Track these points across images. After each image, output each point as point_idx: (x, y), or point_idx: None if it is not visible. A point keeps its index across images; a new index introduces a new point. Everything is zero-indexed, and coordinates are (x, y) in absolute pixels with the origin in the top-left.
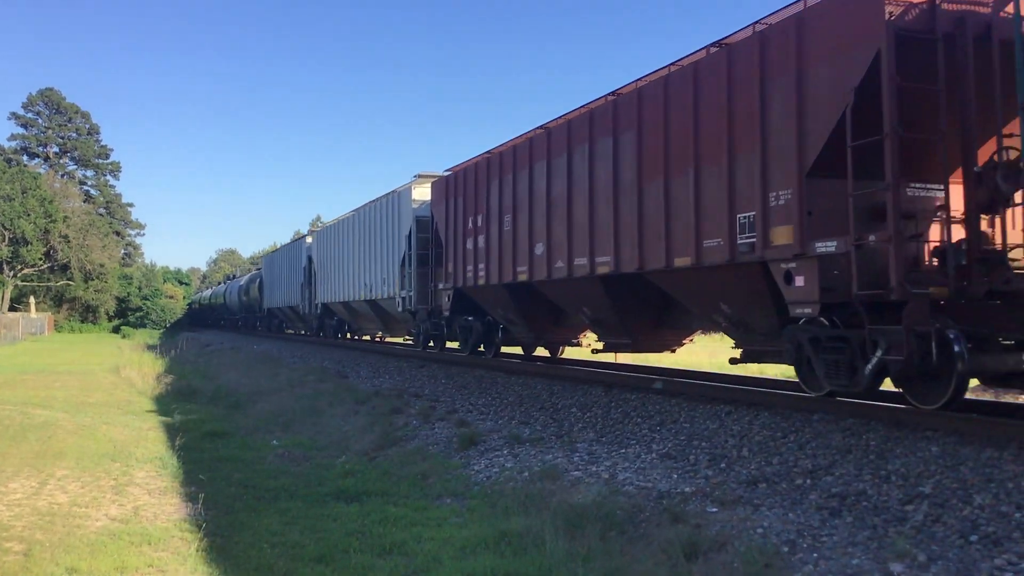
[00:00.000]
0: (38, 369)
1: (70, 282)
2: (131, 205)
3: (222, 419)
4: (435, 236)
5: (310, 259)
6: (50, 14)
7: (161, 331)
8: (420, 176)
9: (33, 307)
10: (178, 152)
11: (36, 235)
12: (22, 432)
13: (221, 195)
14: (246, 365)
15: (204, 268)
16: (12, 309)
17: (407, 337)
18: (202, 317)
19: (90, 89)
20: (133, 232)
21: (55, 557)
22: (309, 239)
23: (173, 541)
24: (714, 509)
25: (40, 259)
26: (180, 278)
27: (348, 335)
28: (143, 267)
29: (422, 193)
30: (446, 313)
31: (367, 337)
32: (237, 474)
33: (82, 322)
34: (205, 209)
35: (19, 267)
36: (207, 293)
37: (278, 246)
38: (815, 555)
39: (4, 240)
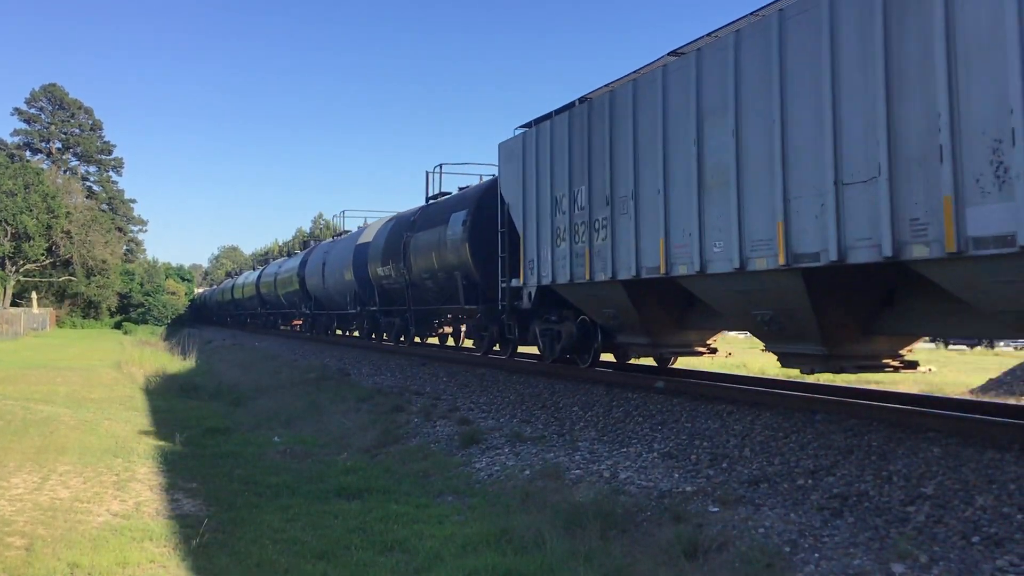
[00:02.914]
0: (40, 364)
1: (72, 278)
2: (133, 201)
3: (224, 415)
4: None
5: None
6: (53, 10)
7: (164, 327)
8: None
9: (35, 303)
10: (180, 149)
11: (39, 231)
12: (24, 427)
13: (223, 193)
14: (248, 362)
15: (206, 265)
16: (14, 304)
17: None
18: (219, 314)
19: (93, 85)
20: (135, 228)
21: (57, 552)
22: None
23: (175, 537)
24: (715, 509)
25: (42, 255)
26: (182, 274)
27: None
28: (145, 263)
29: None
30: None
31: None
32: (239, 470)
33: (84, 318)
34: (207, 206)
35: (21, 262)
36: (241, 280)
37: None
38: (816, 555)
39: (7, 235)
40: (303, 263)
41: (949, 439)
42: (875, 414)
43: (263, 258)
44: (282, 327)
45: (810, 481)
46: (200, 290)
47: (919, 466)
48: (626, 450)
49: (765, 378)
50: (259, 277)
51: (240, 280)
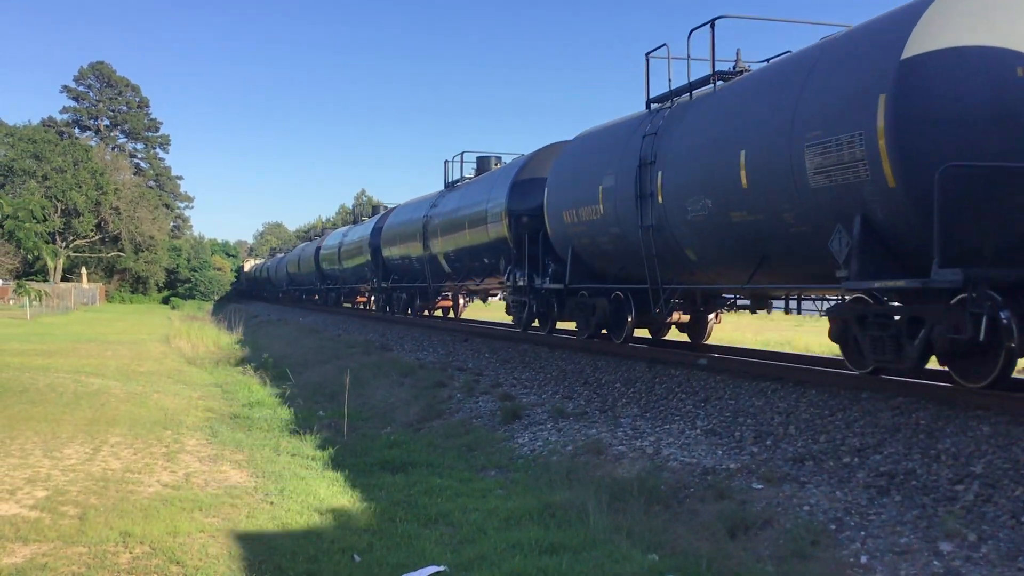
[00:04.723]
0: (90, 338)
1: (121, 253)
2: (180, 178)
3: (270, 388)
4: None
5: None
6: None
7: (211, 303)
8: None
9: (85, 278)
10: (225, 126)
11: (88, 207)
12: (76, 399)
13: (267, 169)
14: (292, 337)
15: (251, 241)
16: (65, 279)
17: None
18: (288, 290)
19: (139, 62)
20: (182, 205)
21: (109, 521)
22: None
23: (224, 507)
24: (760, 486)
25: (92, 230)
26: (228, 250)
27: None
28: (192, 239)
29: None
30: None
31: None
32: (284, 443)
33: (132, 293)
34: (251, 183)
35: (71, 238)
36: (332, 240)
37: (323, 221)
38: (863, 533)
39: (57, 211)
40: (515, 187)
41: (999, 417)
42: (923, 392)
43: (306, 235)
44: (425, 311)
45: (856, 459)
46: (253, 262)
47: (968, 445)
48: (669, 427)
49: (810, 355)
50: (374, 231)
51: (331, 240)
